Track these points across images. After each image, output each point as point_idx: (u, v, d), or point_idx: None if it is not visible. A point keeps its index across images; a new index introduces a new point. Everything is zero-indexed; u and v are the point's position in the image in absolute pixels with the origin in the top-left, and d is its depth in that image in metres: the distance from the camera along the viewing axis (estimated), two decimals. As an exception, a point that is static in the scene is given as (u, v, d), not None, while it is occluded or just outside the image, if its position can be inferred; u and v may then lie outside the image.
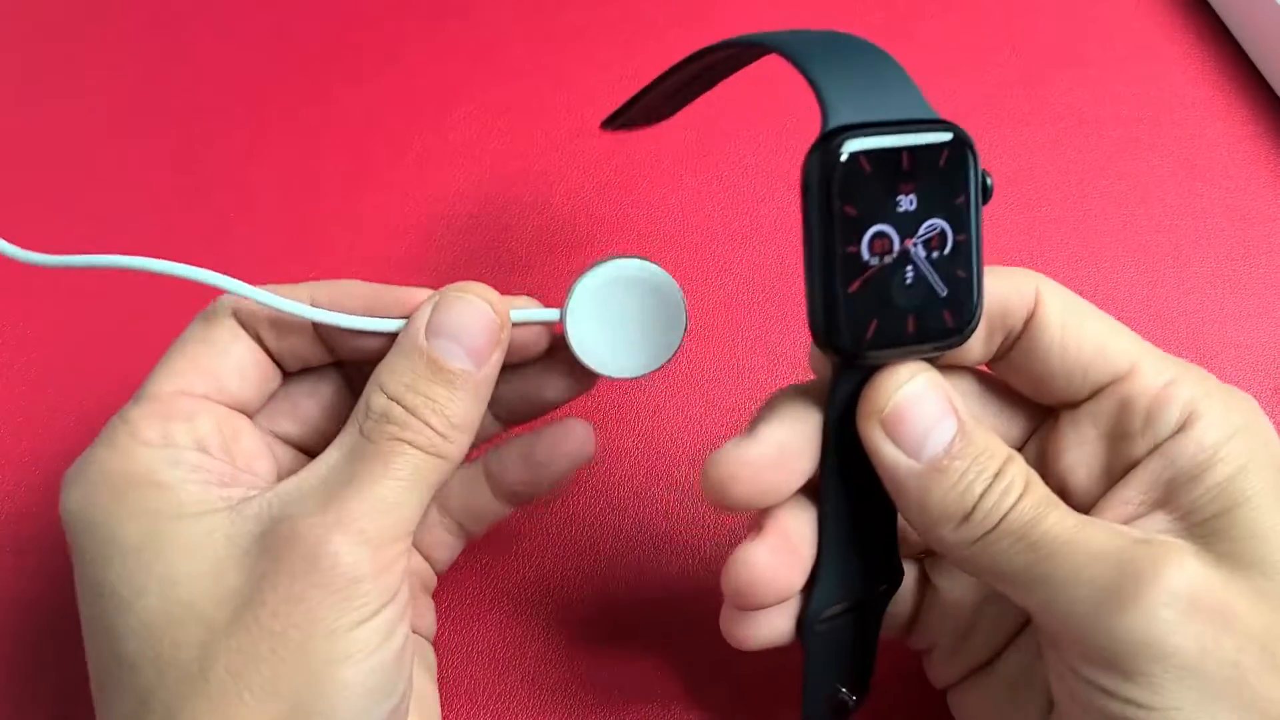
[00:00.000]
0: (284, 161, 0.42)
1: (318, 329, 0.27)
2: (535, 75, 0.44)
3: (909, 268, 0.23)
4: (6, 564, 0.34)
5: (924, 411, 0.23)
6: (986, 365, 0.26)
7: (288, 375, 0.28)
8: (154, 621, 0.23)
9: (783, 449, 0.24)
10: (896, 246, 0.22)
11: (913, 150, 0.22)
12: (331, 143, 0.43)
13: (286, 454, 0.28)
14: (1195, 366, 0.25)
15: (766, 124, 0.42)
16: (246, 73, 0.45)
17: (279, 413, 0.28)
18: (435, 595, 0.31)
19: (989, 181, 0.24)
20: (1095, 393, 0.25)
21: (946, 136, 0.23)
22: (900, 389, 0.23)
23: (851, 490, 0.25)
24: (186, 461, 0.24)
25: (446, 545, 0.30)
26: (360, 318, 0.26)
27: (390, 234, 0.40)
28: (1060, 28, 0.44)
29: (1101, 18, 0.45)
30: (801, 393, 0.25)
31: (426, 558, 0.30)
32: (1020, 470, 0.23)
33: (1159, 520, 0.24)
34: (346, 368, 0.28)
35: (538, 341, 0.27)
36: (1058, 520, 0.23)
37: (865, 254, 0.22)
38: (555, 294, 0.27)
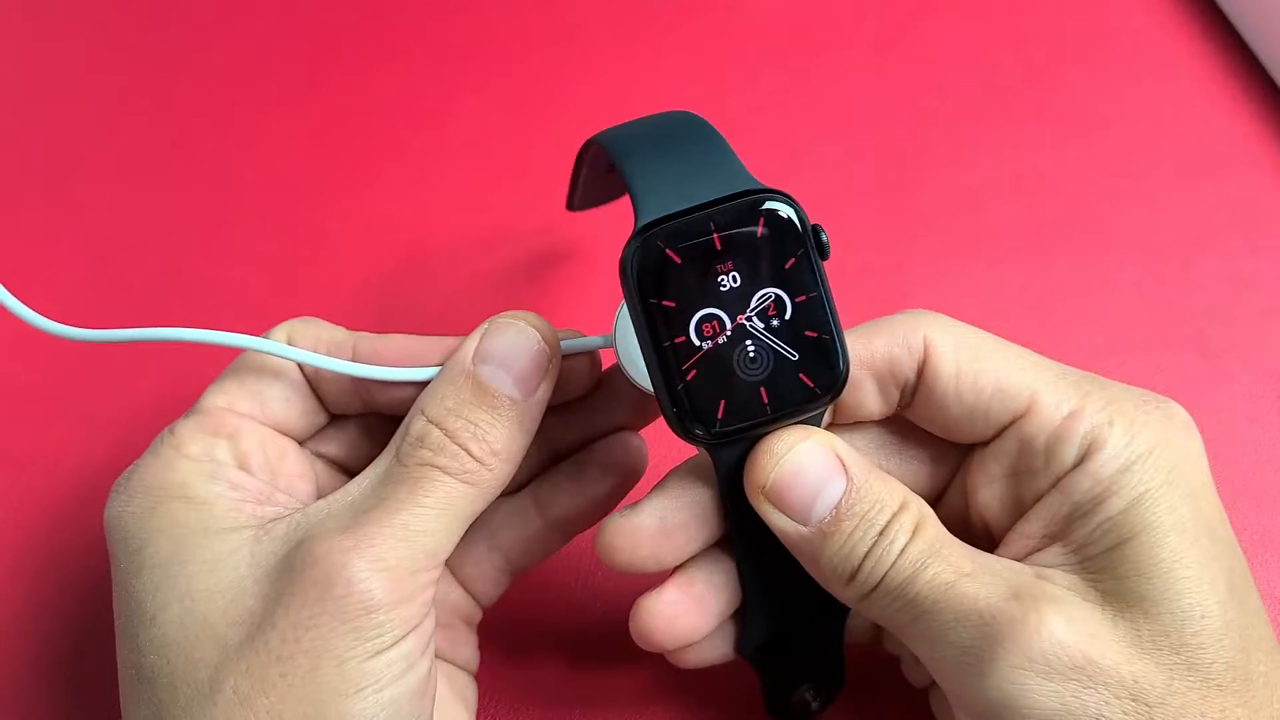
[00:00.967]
0: (283, 160, 0.42)
1: (356, 383, 0.27)
2: (536, 72, 0.44)
3: (748, 342, 0.23)
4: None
5: (807, 478, 0.23)
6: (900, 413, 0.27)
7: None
8: (173, 637, 0.23)
9: (664, 521, 0.25)
10: (729, 325, 0.23)
11: (721, 230, 0.23)
12: (331, 141, 0.42)
13: (332, 478, 0.28)
14: (1111, 384, 0.25)
15: (774, 136, 0.42)
16: (245, 72, 0.45)
17: (327, 436, 0.28)
18: (489, 627, 0.30)
19: (823, 237, 0.24)
20: (1000, 432, 0.25)
21: (758, 207, 0.23)
22: (778, 462, 0.23)
23: (756, 545, 0.25)
24: (225, 477, 0.25)
25: (491, 579, 0.29)
26: (394, 369, 0.26)
27: (389, 232, 0.40)
28: (1062, 26, 0.44)
29: (1104, 15, 0.44)
30: (692, 467, 0.26)
31: (469, 591, 0.29)
32: (911, 518, 0.23)
33: (1055, 554, 0.24)
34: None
35: (590, 375, 0.27)
36: (936, 574, 0.23)
37: (695, 339, 0.23)
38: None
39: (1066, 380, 0.25)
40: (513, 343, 0.25)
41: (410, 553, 0.23)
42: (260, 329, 0.27)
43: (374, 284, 0.39)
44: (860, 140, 0.41)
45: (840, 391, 0.24)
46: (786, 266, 0.23)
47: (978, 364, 0.25)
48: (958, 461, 0.27)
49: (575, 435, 0.28)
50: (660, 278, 0.23)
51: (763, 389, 0.23)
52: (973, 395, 0.25)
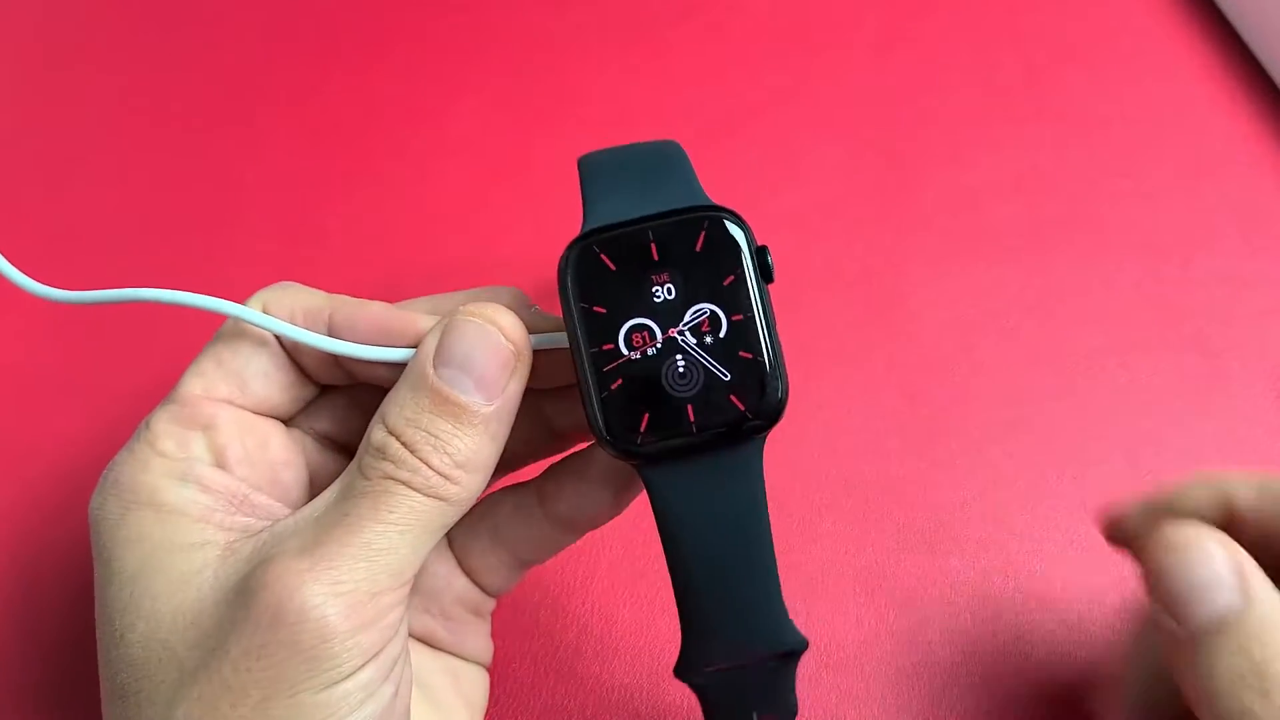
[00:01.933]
0: (283, 158, 0.42)
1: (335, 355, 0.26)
2: (535, 72, 0.44)
3: (679, 356, 0.23)
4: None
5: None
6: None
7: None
8: (138, 658, 0.22)
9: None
10: (660, 336, 0.23)
11: (659, 240, 0.23)
12: (331, 141, 0.42)
13: (325, 456, 0.27)
14: None
15: (773, 136, 0.42)
16: (246, 72, 0.45)
17: (318, 409, 0.27)
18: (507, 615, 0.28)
19: (769, 259, 0.23)
20: None
21: (700, 223, 0.23)
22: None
23: (699, 568, 0.24)
24: (198, 479, 0.24)
25: (498, 572, 0.27)
26: (368, 347, 0.24)
27: (389, 231, 0.40)
28: (1062, 26, 0.44)
29: (1104, 15, 0.44)
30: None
31: (476, 581, 0.27)
32: None
33: None
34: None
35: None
36: None
37: (624, 349, 0.23)
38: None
39: None
40: (474, 342, 0.23)
41: (371, 574, 0.21)
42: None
43: (374, 284, 0.39)
44: (860, 140, 0.41)
45: (776, 420, 0.23)
46: (724, 283, 0.23)
47: None
48: None
49: (576, 416, 0.26)
50: (593, 283, 0.23)
51: (690, 406, 0.23)
52: None
